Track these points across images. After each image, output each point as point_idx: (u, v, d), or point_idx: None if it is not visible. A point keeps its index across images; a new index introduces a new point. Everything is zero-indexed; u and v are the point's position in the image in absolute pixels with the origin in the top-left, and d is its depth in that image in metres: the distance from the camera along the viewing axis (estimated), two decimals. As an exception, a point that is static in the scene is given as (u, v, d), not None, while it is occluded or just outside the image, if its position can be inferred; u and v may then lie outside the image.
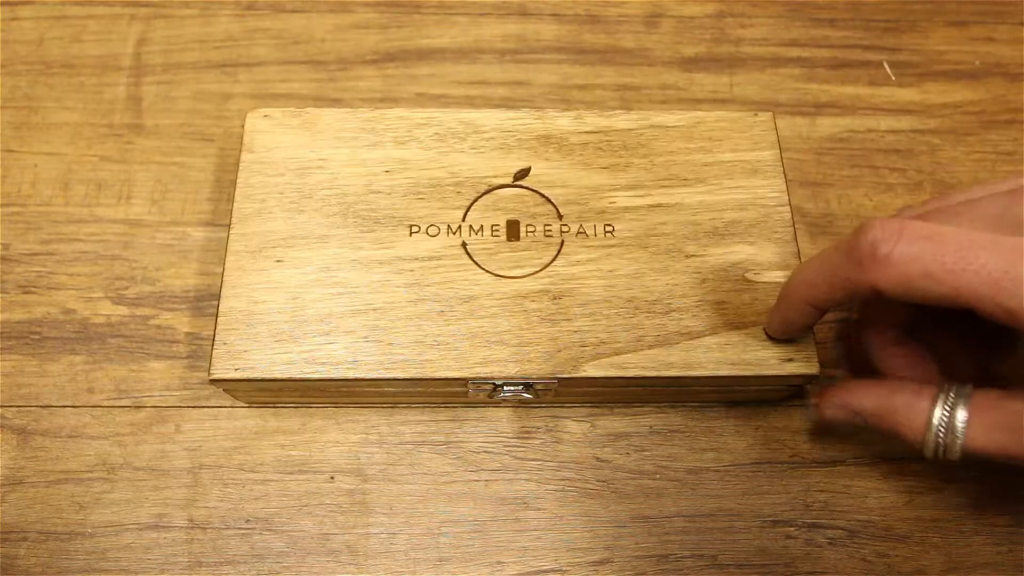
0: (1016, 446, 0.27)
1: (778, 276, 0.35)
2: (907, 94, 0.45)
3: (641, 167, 0.37)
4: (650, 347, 0.33)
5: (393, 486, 0.35)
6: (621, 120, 0.38)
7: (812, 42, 0.46)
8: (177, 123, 0.43)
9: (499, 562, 0.34)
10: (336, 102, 0.44)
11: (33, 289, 0.39)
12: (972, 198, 0.29)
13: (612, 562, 0.34)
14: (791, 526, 0.35)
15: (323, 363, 0.32)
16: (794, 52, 0.46)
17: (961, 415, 0.28)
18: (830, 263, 0.28)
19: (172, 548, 0.34)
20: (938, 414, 0.28)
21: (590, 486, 0.36)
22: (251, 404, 0.37)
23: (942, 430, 0.28)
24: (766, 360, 0.33)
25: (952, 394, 0.28)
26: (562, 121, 0.38)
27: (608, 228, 0.36)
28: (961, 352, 0.32)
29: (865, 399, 0.31)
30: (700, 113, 0.38)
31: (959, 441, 0.28)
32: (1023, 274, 0.24)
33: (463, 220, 0.36)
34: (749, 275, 0.35)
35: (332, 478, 0.35)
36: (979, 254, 0.24)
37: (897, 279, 0.25)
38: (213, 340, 0.33)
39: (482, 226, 0.35)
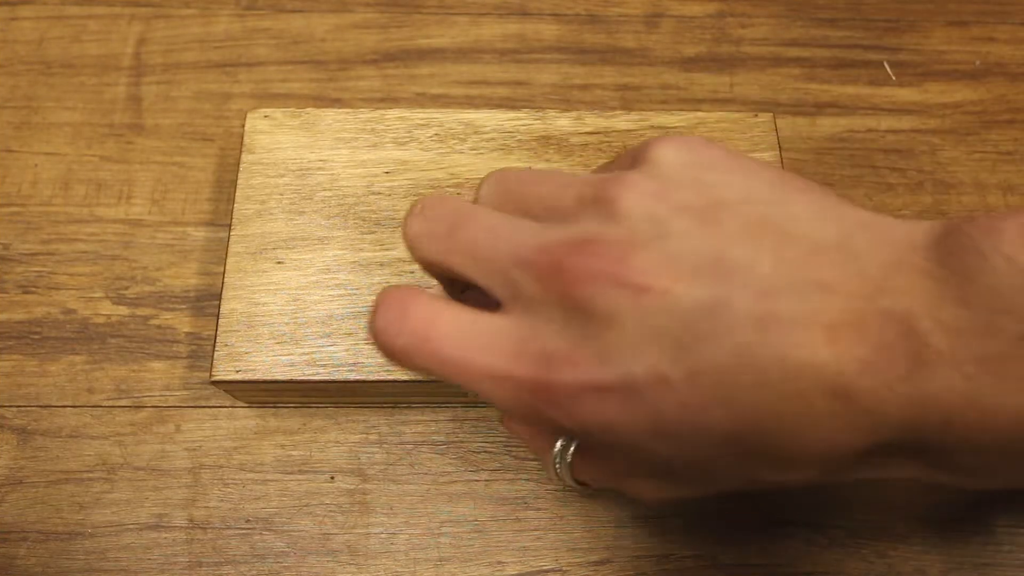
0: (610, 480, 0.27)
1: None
2: (907, 94, 0.45)
3: None
4: (650, 348, 0.33)
5: (393, 486, 0.35)
6: (621, 121, 0.38)
7: (812, 42, 0.46)
8: (177, 123, 0.43)
9: (499, 562, 0.34)
10: (336, 102, 0.44)
11: (33, 289, 0.39)
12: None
13: (613, 562, 0.34)
14: (791, 526, 0.35)
15: (324, 365, 0.32)
16: (794, 52, 0.46)
17: (571, 448, 0.28)
18: None
19: (172, 548, 0.34)
20: (559, 443, 0.28)
21: (590, 486, 0.36)
22: (251, 404, 0.37)
23: (558, 459, 0.28)
24: None
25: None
26: (562, 122, 0.38)
27: None
28: None
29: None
30: (700, 114, 0.38)
31: (567, 468, 0.28)
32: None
33: None
34: None
35: (332, 478, 0.35)
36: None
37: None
38: (214, 342, 0.33)
39: (482, 227, 0.35)
